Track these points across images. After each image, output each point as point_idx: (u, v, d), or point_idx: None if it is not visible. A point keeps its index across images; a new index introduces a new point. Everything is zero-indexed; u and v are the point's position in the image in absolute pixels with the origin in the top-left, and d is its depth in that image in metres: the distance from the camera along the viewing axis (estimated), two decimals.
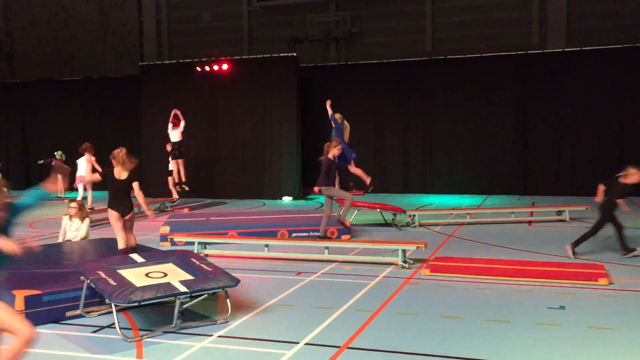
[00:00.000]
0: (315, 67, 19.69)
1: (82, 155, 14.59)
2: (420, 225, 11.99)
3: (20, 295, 5.66)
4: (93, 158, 14.33)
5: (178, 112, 15.43)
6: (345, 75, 19.34)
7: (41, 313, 5.73)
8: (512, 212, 12.69)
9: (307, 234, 10.44)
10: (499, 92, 18.03)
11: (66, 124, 21.41)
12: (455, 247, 9.63)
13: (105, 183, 7.73)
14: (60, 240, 9.17)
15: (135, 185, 7.61)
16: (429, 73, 18.60)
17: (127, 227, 7.64)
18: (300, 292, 7.04)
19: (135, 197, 7.69)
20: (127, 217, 7.59)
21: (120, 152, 7.52)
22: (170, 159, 15.69)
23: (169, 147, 15.79)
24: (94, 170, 13.17)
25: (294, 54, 18.09)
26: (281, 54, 18.20)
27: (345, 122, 12.11)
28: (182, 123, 15.35)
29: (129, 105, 20.00)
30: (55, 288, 5.96)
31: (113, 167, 7.55)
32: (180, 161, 15.68)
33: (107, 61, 22.95)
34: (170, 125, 15.49)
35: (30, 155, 21.54)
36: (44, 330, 5.59)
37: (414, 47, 19.98)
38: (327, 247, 8.75)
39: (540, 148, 17.83)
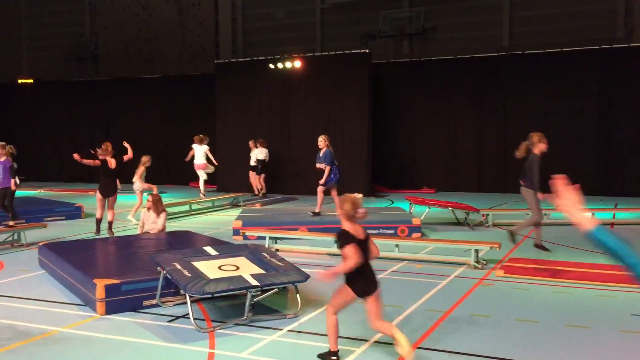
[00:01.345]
0: (387, 64, 19.51)
1: (198, 144, 15.88)
2: (494, 225, 11.66)
3: (100, 284, 5.91)
4: (207, 147, 15.86)
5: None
6: (418, 72, 19.08)
7: (120, 301, 5.96)
8: (593, 214, 12.12)
9: (377, 231, 10.35)
10: (581, 88, 17.26)
11: (146, 120, 22.21)
12: (531, 249, 9.30)
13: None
14: (139, 231, 9.51)
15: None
16: (505, 69, 18.05)
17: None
18: None
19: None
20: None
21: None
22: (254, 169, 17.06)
23: (251, 144, 17.19)
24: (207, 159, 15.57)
25: (367, 51, 18.00)
26: (353, 51, 18.15)
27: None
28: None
29: (204, 102, 20.52)
30: (133, 278, 6.19)
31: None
32: (263, 176, 17.05)
33: (184, 59, 23.65)
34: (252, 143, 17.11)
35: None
36: (123, 318, 5.82)
37: (489, 42, 19.44)
38: (397, 245, 8.66)
39: (625, 147, 16.95)
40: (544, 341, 5.17)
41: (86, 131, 23.65)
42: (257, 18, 22.92)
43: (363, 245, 4.70)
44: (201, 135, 15.97)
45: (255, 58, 19.63)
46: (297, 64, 18.17)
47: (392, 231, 10.29)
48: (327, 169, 11.08)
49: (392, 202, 15.85)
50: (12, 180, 10.40)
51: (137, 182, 12.82)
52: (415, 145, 19.15)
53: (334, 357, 4.63)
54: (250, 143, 17.34)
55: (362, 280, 4.56)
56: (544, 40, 18.40)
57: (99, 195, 9.59)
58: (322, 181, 11.17)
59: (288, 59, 18.34)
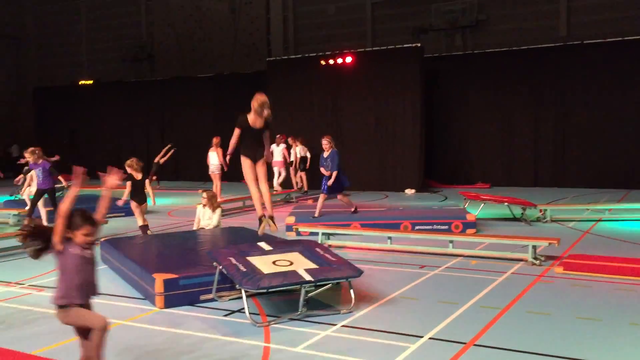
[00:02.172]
0: (440, 58, 19.25)
1: (275, 144, 16.68)
2: (553, 220, 11.34)
3: (159, 278, 6.07)
4: (284, 146, 17.06)
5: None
6: (471, 65, 18.75)
7: (178, 296, 6.11)
8: None
9: (430, 226, 10.25)
10: None
11: (199, 118, 22.64)
12: (592, 245, 9.02)
13: None
14: (194, 227, 9.71)
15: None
16: (563, 60, 17.51)
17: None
18: (423, 285, 6.94)
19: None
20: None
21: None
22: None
23: (290, 141, 17.50)
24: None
25: (418, 45, 17.81)
26: (405, 45, 17.98)
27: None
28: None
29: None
30: (191, 273, 6.33)
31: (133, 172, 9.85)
32: (303, 173, 17.36)
33: (236, 58, 23.97)
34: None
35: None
36: (181, 312, 5.97)
37: (546, 32, 18.88)
38: (451, 241, 8.54)
39: None
40: (607, 340, 5.00)
41: (143, 130, 24.31)
42: (308, 15, 22.99)
43: (254, 132, 7.50)
44: (278, 135, 16.89)
45: (306, 55, 19.70)
46: (348, 59, 18.14)
47: (446, 227, 10.17)
48: (333, 175, 10.48)
49: (446, 198, 15.65)
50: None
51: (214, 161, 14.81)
52: (468, 140, 18.83)
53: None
54: (290, 140, 17.47)
55: (249, 149, 7.35)
56: (604, 29, 17.74)
57: (133, 204, 10.05)
58: (330, 182, 10.49)
59: (339, 55, 18.33)
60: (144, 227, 10.06)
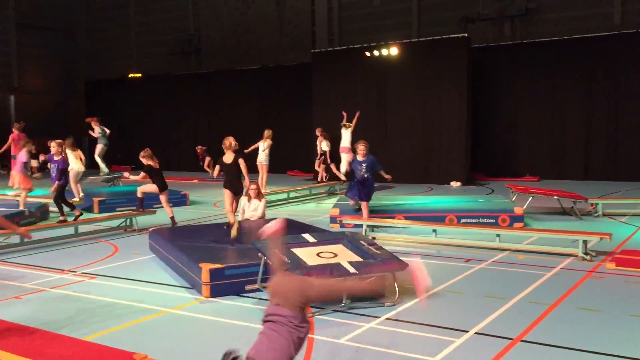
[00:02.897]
0: (487, 48, 18.86)
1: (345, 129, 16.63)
2: (604, 215, 11.01)
3: (205, 268, 6.16)
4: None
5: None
6: (520, 55, 18.31)
7: (223, 285, 6.19)
8: None
9: (476, 220, 10.10)
10: None
11: (245, 110, 22.86)
12: None
13: None
14: (239, 218, 9.82)
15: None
16: (617, 49, 16.91)
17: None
18: (469, 279, 6.84)
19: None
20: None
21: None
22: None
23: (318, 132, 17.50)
24: None
25: (465, 35, 17.49)
26: (451, 35, 17.69)
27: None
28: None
29: (301, 92, 20.79)
30: (236, 263, 6.41)
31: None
32: (324, 166, 17.49)
33: (282, 50, 24.07)
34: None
35: (212, 141, 23.28)
36: (226, 301, 6.05)
37: (599, 20, 18.27)
38: (498, 235, 8.39)
39: None
40: None
41: (190, 122, 24.71)
42: (353, 6, 22.86)
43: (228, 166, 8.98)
44: (346, 123, 16.72)
45: (351, 46, 19.61)
46: (394, 50, 17.97)
47: (493, 220, 9.99)
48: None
49: (492, 191, 15.38)
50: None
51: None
52: (516, 132, 18.43)
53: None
54: (318, 131, 17.48)
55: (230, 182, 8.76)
56: None
57: (163, 197, 10.36)
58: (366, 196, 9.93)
59: (384, 46, 18.18)
60: (173, 218, 10.30)
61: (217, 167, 9.35)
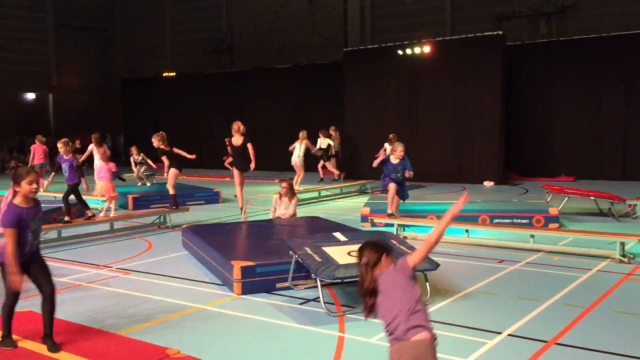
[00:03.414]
0: (522, 46, 18.59)
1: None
2: None
3: (237, 265, 6.21)
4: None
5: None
6: (556, 53, 17.97)
7: (255, 283, 6.24)
8: None
9: (510, 220, 9.95)
10: None
11: (277, 109, 22.96)
12: None
13: None
14: (271, 216, 9.87)
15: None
16: None
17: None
18: (502, 280, 6.75)
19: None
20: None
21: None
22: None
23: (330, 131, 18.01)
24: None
25: (500, 33, 17.25)
26: (485, 33, 17.47)
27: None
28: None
29: (333, 90, 20.79)
30: (267, 261, 6.44)
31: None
32: (322, 163, 18.05)
33: (314, 49, 24.11)
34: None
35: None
36: (257, 299, 6.09)
37: (638, 17, 17.83)
38: (532, 235, 8.27)
39: None
40: None
41: (223, 120, 24.89)
42: (386, 4, 22.78)
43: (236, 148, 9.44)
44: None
45: (383, 45, 19.54)
46: (427, 49, 17.83)
47: (527, 221, 9.84)
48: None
49: (526, 191, 15.15)
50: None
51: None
52: (552, 131, 18.10)
53: None
54: (331, 130, 18.12)
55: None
56: None
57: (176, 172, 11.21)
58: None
59: (417, 44, 18.06)
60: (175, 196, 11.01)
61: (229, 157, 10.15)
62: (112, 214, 11.23)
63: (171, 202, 11.19)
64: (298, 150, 15.94)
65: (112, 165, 11.64)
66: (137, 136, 22.01)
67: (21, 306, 5.88)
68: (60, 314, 5.50)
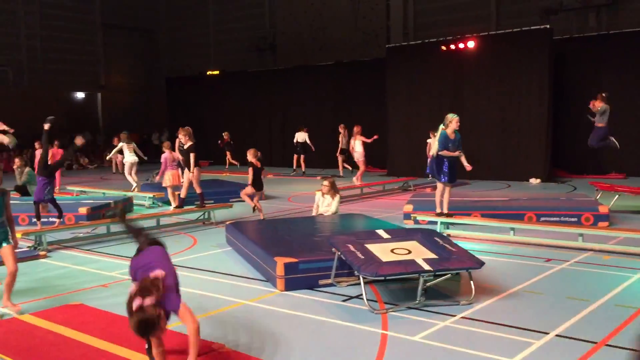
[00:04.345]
0: (570, 39, 18.08)
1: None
2: None
3: (280, 261, 6.26)
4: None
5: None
6: (606, 47, 17.41)
7: (298, 279, 6.27)
8: None
9: (557, 218, 9.72)
10: None
11: (319, 106, 22.98)
12: None
13: None
14: (313, 214, 9.90)
15: None
16: None
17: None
18: (549, 279, 6.60)
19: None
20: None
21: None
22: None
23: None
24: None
25: (547, 26, 16.83)
26: (532, 27, 17.07)
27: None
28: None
29: (375, 87, 20.68)
30: (310, 257, 6.46)
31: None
32: (302, 157, 19.66)
33: (356, 45, 24.02)
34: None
35: (286, 136, 23.55)
36: (300, 295, 6.12)
37: None
38: (581, 235, 8.05)
39: None
40: None
41: (265, 118, 25.12)
42: None
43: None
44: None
45: (426, 40, 19.32)
46: (471, 44, 17.55)
47: (575, 219, 9.60)
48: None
49: (575, 189, 14.77)
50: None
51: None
52: None
53: None
54: (340, 128, 18.81)
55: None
56: None
57: (250, 190, 10.82)
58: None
59: (461, 39, 17.79)
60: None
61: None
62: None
63: (200, 201, 11.17)
64: (357, 146, 16.26)
65: (177, 155, 11.99)
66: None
67: (73, 299, 6.07)
68: (109, 307, 5.66)
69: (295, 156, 20.07)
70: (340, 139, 18.79)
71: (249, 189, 10.52)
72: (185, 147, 11.12)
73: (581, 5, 18.90)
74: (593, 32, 18.65)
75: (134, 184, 14.32)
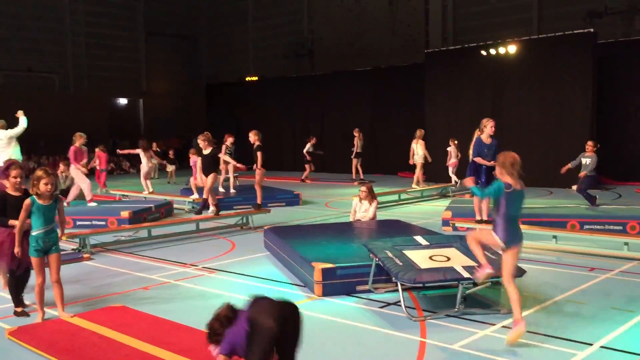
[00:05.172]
0: (615, 44, 17.65)
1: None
2: None
3: (318, 267, 6.26)
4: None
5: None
6: None
7: (335, 285, 6.27)
8: None
9: (602, 226, 9.48)
10: None
11: (357, 111, 22.98)
12: None
13: None
14: (351, 219, 9.88)
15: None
16: None
17: None
18: (593, 289, 6.44)
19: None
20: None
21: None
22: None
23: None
24: None
25: (591, 30, 16.47)
26: (575, 31, 16.72)
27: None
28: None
29: (414, 92, 20.56)
30: (348, 263, 6.45)
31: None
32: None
33: (394, 51, 23.94)
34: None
35: (325, 142, 23.60)
36: (338, 301, 6.11)
37: None
38: (626, 243, 7.84)
39: None
40: None
41: (304, 123, 25.23)
42: (469, 3, 22.29)
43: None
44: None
45: (466, 45, 19.13)
46: (512, 49, 17.30)
47: (620, 227, 9.35)
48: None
49: (620, 196, 14.38)
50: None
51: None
52: None
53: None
54: (355, 132, 19.08)
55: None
56: None
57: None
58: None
59: (502, 44, 17.56)
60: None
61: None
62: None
63: (212, 205, 11.29)
64: (418, 149, 16.32)
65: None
66: (220, 139, 22.65)
67: (115, 301, 6.20)
68: (150, 309, 5.76)
69: (354, 161, 19.34)
70: (355, 143, 18.99)
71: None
72: (205, 152, 11.27)
73: (626, 8, 18.43)
74: (638, 36, 18.15)
75: (146, 190, 14.71)
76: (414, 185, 16.02)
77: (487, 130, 9.28)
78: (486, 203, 9.22)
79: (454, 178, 16.68)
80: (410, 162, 16.61)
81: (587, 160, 11.07)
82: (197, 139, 11.51)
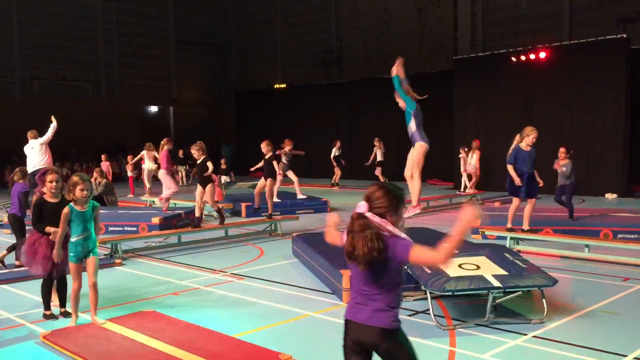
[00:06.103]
0: None
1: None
2: None
3: (346, 274, 6.26)
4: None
5: None
6: None
7: None
8: None
9: (635, 235, 9.30)
10: None
11: (385, 119, 22.89)
12: None
13: None
14: None
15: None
16: None
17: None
18: (627, 300, 6.31)
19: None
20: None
21: None
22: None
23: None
24: None
25: (624, 35, 16.19)
26: (608, 37, 16.45)
27: None
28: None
29: (442, 100, 20.40)
30: None
31: None
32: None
33: (423, 57, 23.86)
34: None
35: (354, 150, 23.58)
36: None
37: None
38: None
39: None
40: None
41: (332, 130, 25.26)
42: (498, 10, 22.12)
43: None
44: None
45: (495, 52, 18.97)
46: (542, 55, 17.10)
47: None
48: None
49: None
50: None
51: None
52: None
53: None
54: (375, 141, 19.33)
55: None
56: None
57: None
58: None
59: (532, 50, 17.36)
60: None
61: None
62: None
63: (195, 221, 10.67)
64: (471, 158, 16.54)
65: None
66: (250, 147, 22.84)
67: (146, 306, 6.28)
68: (179, 315, 5.83)
69: (378, 170, 19.27)
70: (375, 151, 19.17)
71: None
72: (199, 161, 10.45)
73: None
74: None
75: (148, 187, 15.40)
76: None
77: (528, 139, 9.24)
78: (529, 211, 9.20)
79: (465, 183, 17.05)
80: (463, 171, 17.11)
81: (562, 168, 10.77)
82: (191, 148, 10.72)
